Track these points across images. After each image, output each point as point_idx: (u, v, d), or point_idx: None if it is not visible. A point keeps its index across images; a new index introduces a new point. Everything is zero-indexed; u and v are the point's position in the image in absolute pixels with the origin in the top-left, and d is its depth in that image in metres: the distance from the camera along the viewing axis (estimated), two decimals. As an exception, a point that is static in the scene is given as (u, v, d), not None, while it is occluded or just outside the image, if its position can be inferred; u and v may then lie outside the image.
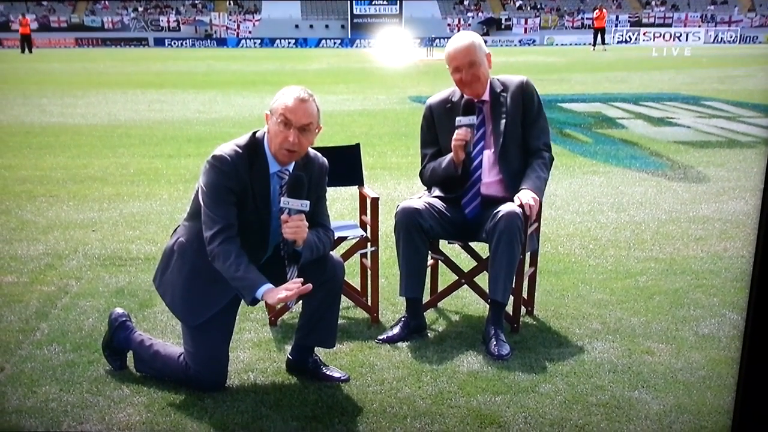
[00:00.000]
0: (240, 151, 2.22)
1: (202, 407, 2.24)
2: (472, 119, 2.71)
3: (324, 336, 2.44)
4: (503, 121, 2.78)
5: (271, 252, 2.37)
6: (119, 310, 2.56)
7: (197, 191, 2.30)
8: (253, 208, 2.25)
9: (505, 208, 2.64)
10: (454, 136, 2.71)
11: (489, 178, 2.80)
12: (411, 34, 36.16)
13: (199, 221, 2.24)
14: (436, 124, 2.88)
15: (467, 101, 2.76)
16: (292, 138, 2.20)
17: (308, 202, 2.20)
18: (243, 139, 2.28)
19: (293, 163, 2.31)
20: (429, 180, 2.91)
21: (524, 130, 2.80)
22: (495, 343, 2.63)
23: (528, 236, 2.75)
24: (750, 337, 1.05)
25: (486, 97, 2.81)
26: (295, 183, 2.20)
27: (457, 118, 2.72)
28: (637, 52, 25.07)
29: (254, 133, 2.31)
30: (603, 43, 28.63)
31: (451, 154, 2.76)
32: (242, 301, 2.45)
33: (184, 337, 2.37)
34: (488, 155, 2.80)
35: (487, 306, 2.76)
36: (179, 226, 2.42)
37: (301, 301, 2.52)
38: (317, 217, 2.35)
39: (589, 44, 31.16)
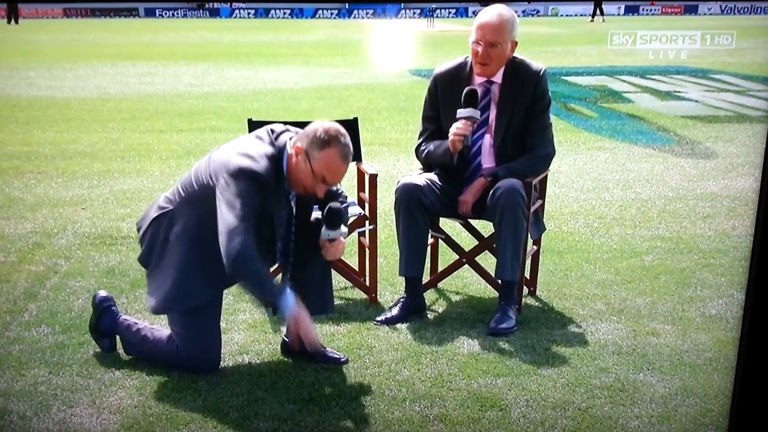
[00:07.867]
0: (270, 164, 2.14)
1: (196, 390, 2.20)
2: (475, 112, 2.59)
3: (321, 302, 2.38)
4: (511, 108, 2.67)
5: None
6: (103, 294, 2.49)
7: (198, 177, 2.20)
8: (267, 220, 2.22)
9: (504, 184, 2.57)
10: (453, 129, 2.60)
11: (487, 165, 2.72)
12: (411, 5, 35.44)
13: (199, 209, 2.17)
14: (440, 98, 2.76)
15: (470, 91, 2.60)
16: (321, 193, 2.21)
17: (346, 230, 2.29)
18: (268, 149, 2.16)
19: None
20: (423, 163, 2.83)
21: (527, 121, 2.69)
22: (498, 315, 2.57)
23: (533, 221, 2.69)
24: (749, 318, 1.00)
25: (498, 78, 2.69)
26: (332, 216, 2.22)
27: (459, 110, 2.60)
28: (643, 23, 24.70)
29: (276, 141, 2.18)
30: (602, 14, 28.47)
31: (448, 142, 2.65)
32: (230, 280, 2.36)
33: (171, 318, 2.31)
34: (488, 140, 2.71)
35: (489, 286, 2.70)
36: (172, 207, 2.29)
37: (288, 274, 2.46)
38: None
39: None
